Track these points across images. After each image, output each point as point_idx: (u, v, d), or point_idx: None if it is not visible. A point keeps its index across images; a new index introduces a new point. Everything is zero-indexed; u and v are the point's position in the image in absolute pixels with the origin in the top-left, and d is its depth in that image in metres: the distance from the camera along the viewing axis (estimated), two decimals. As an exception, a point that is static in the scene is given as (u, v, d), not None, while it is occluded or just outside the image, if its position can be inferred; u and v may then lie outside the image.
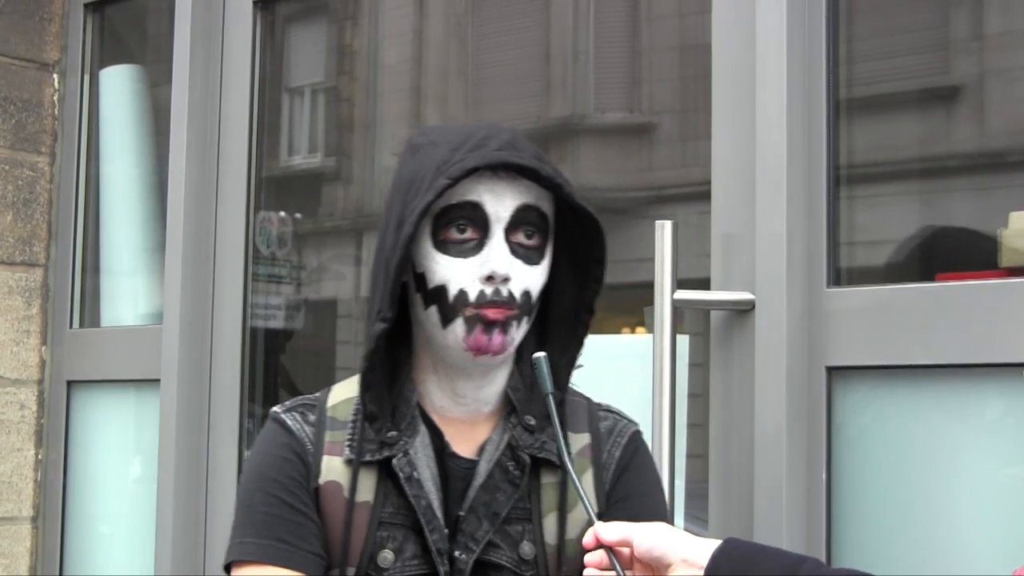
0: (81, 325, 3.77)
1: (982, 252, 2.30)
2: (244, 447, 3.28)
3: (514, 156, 1.73)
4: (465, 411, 1.83)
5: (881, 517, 2.16)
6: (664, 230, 2.29)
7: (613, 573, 1.63)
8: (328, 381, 1.90)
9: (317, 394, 1.90)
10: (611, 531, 1.64)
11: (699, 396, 2.43)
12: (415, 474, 1.76)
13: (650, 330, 2.33)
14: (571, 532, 1.80)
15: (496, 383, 1.83)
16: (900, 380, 2.15)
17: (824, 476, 2.21)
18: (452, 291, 1.74)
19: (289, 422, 1.84)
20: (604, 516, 1.78)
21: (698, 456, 2.45)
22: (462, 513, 1.77)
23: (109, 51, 3.91)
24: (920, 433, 2.13)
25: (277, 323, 4.18)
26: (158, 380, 3.33)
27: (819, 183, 2.28)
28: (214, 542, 3.26)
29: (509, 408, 1.83)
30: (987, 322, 2.03)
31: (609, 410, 1.92)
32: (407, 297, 1.81)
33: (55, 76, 3.82)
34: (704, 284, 2.36)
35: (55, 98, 3.81)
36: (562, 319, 1.85)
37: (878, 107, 2.63)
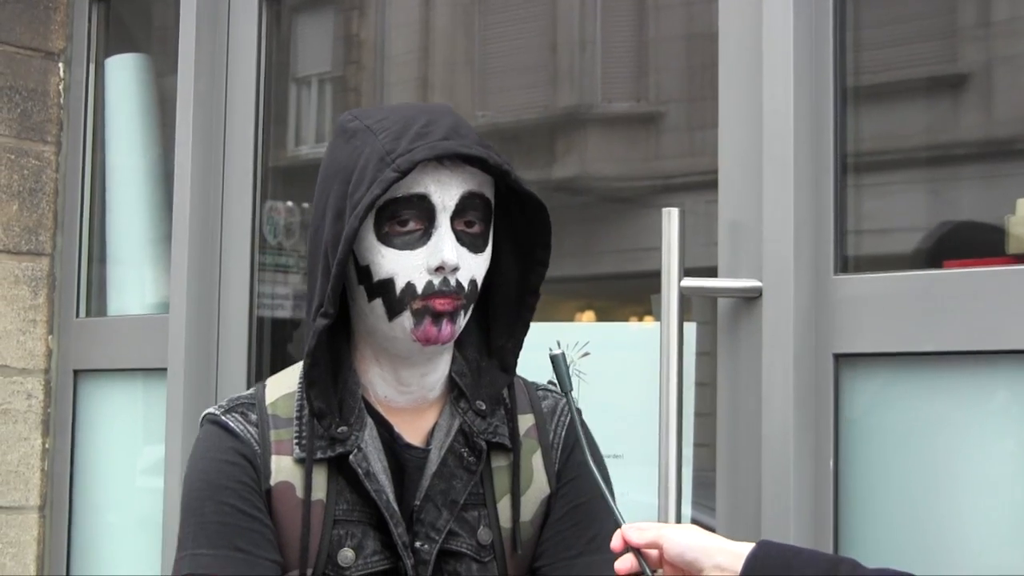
0: (88, 314, 3.78)
1: (990, 239, 2.29)
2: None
3: (461, 146, 1.68)
4: (410, 399, 1.80)
5: (888, 505, 2.16)
6: (671, 218, 2.29)
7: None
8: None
9: (251, 391, 1.84)
10: (640, 533, 1.59)
11: (706, 385, 2.43)
12: (371, 469, 1.72)
13: (657, 318, 2.32)
14: (525, 515, 1.79)
15: (439, 370, 1.81)
16: (907, 367, 2.15)
17: (831, 464, 2.20)
18: (400, 284, 1.70)
19: (232, 424, 1.77)
20: (554, 496, 1.79)
21: (705, 445, 2.45)
22: (417, 503, 1.73)
23: (114, 40, 3.91)
24: (927, 420, 2.13)
25: (284, 312, 4.18)
26: (165, 369, 3.33)
27: (826, 171, 2.27)
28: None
29: (455, 393, 1.80)
30: (994, 309, 2.03)
31: (547, 389, 1.90)
32: (346, 289, 1.77)
33: (60, 65, 3.82)
34: (711, 272, 2.35)
35: (60, 87, 3.81)
36: (505, 303, 1.83)
37: (885, 95, 2.62)
